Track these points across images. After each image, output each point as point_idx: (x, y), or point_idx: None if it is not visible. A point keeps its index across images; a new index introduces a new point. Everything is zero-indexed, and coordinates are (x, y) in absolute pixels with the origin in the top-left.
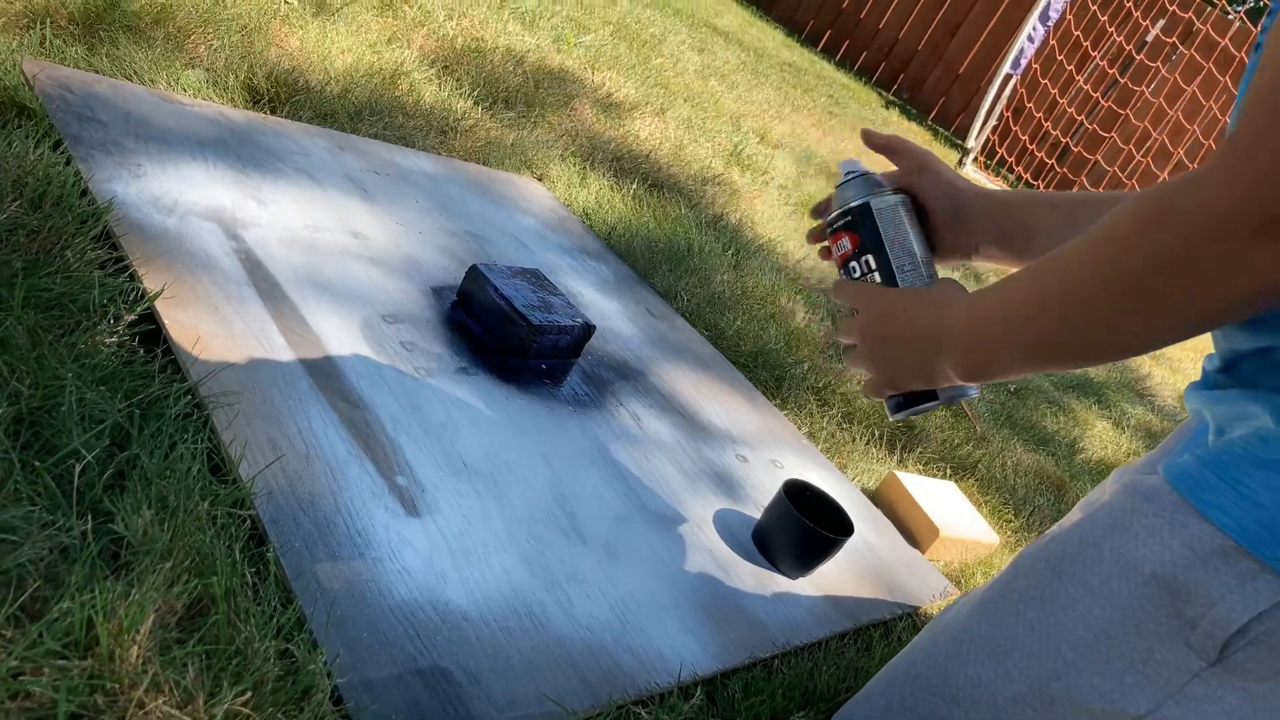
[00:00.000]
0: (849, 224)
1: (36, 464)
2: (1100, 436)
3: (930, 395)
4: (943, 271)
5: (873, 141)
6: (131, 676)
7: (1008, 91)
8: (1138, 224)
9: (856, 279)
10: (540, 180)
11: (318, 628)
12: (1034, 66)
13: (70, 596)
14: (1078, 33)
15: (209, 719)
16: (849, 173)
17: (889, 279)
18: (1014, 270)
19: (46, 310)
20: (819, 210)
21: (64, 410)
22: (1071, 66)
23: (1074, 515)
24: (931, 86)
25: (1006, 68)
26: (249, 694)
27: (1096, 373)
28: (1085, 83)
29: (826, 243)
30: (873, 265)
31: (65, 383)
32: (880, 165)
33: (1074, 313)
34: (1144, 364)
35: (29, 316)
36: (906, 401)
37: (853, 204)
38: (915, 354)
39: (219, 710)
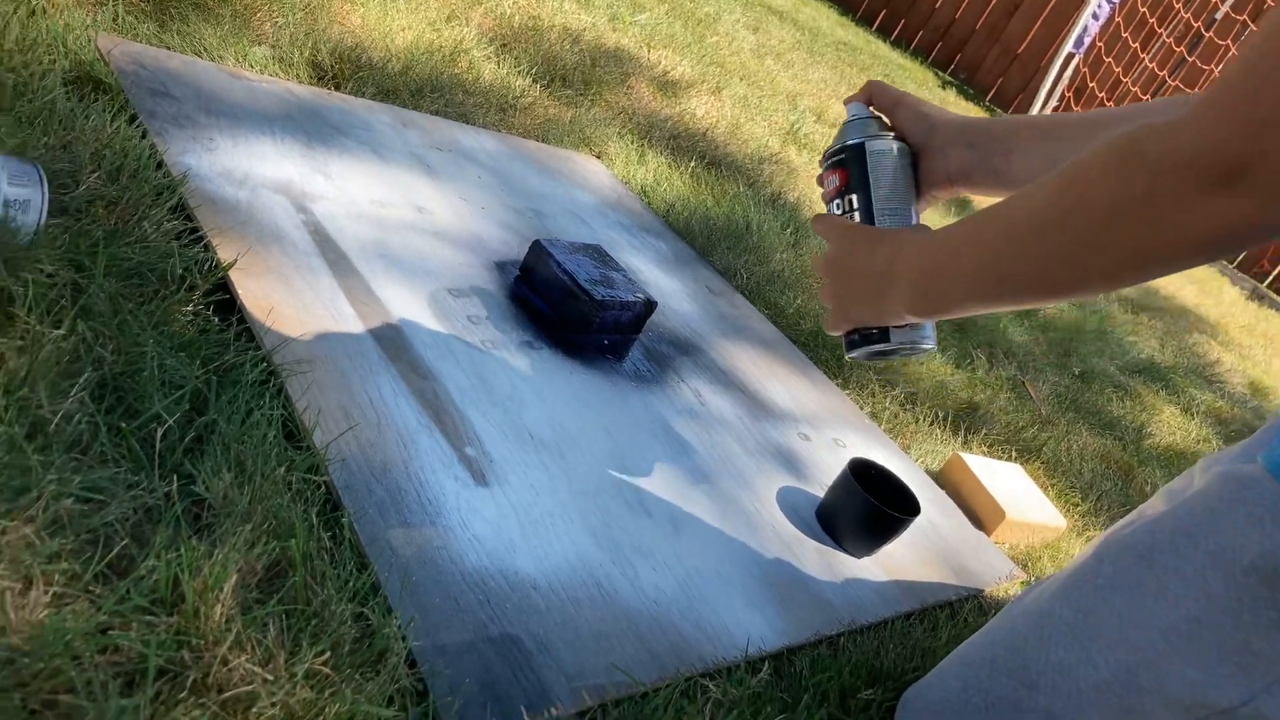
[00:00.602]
0: (841, 161)
1: (122, 426)
2: (1168, 422)
3: (883, 335)
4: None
5: (852, 98)
6: (216, 634)
7: (1069, 70)
8: (1106, 163)
9: (838, 216)
10: (599, 158)
11: (392, 593)
12: (1098, 45)
13: (156, 555)
14: (1144, 9)
15: (290, 677)
16: (854, 115)
17: (868, 219)
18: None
19: (126, 279)
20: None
21: (145, 376)
22: (1137, 44)
23: (1158, 504)
24: (990, 66)
25: (1069, 46)
26: (327, 654)
27: (1163, 357)
28: (1151, 61)
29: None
30: (855, 205)
31: (146, 349)
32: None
33: (1035, 246)
34: (1212, 349)
35: (110, 285)
36: (861, 340)
37: (848, 142)
38: (868, 286)
39: (300, 669)
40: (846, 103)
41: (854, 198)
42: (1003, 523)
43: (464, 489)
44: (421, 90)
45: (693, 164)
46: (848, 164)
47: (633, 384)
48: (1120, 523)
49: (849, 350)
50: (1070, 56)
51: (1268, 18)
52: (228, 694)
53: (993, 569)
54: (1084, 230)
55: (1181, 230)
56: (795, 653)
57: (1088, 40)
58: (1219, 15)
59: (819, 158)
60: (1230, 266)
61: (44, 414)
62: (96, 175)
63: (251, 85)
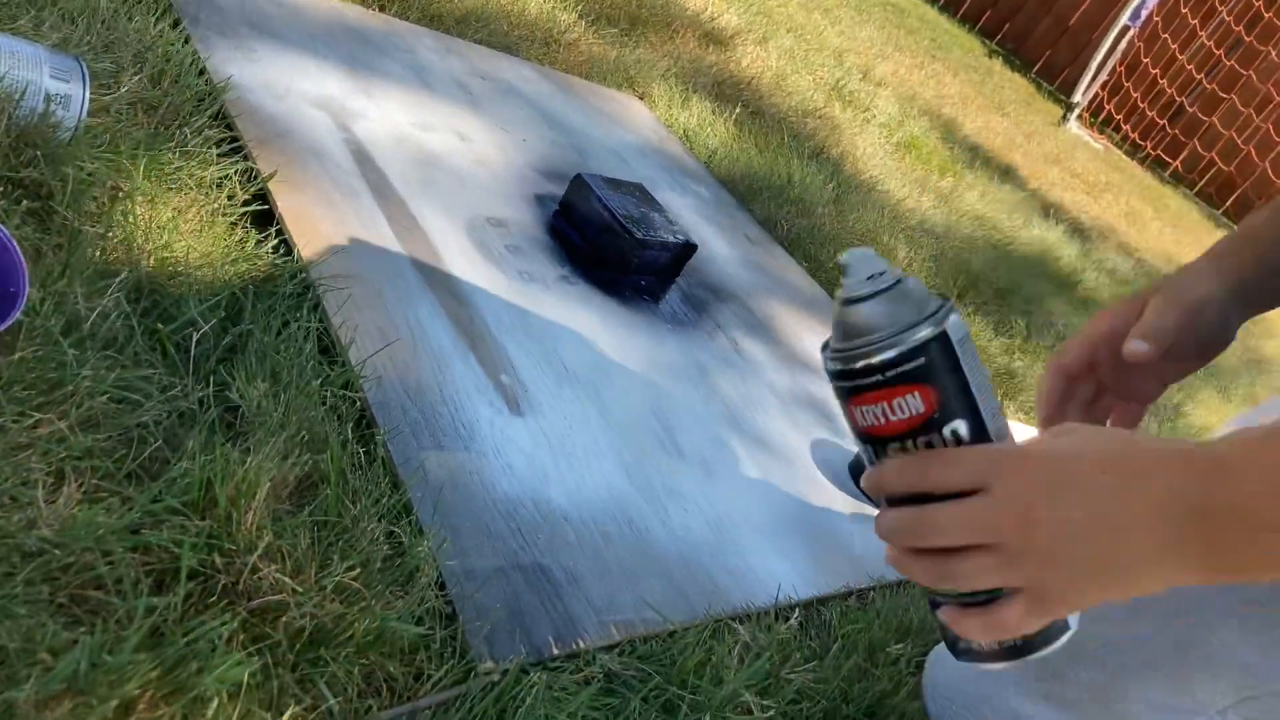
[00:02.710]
0: (915, 372)
1: (159, 328)
2: (1206, 402)
3: (1063, 628)
4: None
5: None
6: (247, 541)
7: (1123, 45)
8: None
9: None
10: (641, 99)
11: (424, 514)
12: (1155, 19)
13: (190, 458)
14: None
15: (319, 589)
16: (877, 273)
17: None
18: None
19: (164, 183)
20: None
21: (181, 281)
22: (1195, 21)
23: None
24: (1039, 37)
25: (1125, 19)
26: (358, 570)
27: None
28: (1209, 39)
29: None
30: (964, 436)
31: (182, 255)
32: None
33: None
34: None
35: (149, 187)
36: (1024, 644)
37: (920, 335)
38: (1093, 544)
39: (330, 582)
40: (848, 257)
41: (959, 427)
42: None
43: (498, 416)
44: (466, 19)
45: (736, 112)
46: (930, 374)
47: (669, 326)
48: None
49: (999, 660)
50: (1125, 29)
51: None
52: (257, 601)
53: None
54: None
55: None
56: (823, 603)
57: (1145, 13)
58: None
59: (830, 362)
60: None
61: (80, 310)
62: (138, 78)
63: (296, 2)
